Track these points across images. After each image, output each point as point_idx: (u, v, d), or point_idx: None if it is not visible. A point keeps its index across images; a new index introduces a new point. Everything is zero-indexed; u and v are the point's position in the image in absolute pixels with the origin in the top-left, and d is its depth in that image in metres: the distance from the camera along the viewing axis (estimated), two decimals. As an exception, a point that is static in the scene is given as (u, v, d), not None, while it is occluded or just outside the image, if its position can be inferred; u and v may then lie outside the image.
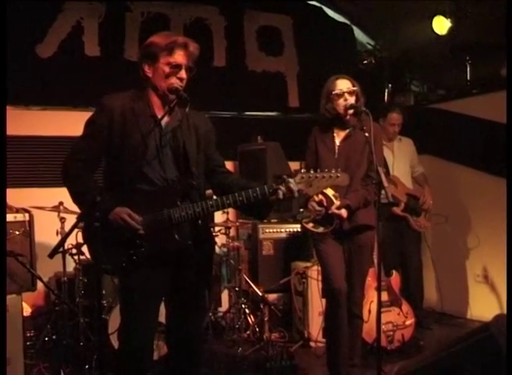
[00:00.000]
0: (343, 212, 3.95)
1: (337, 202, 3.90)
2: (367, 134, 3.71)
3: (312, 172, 3.01)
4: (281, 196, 2.96)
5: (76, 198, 3.02)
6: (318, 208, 3.96)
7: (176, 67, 2.96)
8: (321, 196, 3.92)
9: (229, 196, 2.95)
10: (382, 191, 3.58)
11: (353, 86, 4.02)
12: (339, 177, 3.03)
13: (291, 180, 2.97)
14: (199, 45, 3.05)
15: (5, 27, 3.59)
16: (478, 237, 6.07)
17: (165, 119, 3.04)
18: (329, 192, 3.88)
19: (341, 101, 3.99)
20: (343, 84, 4.01)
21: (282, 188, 2.96)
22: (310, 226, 4.12)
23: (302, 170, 3.06)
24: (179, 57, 2.95)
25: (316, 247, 4.20)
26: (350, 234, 4.09)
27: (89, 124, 3.06)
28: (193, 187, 3.04)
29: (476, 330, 2.49)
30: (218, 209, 3.04)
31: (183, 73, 2.98)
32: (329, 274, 4.05)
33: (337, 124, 4.12)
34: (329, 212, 3.93)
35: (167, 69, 2.96)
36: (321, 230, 4.07)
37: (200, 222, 3.06)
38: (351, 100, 3.97)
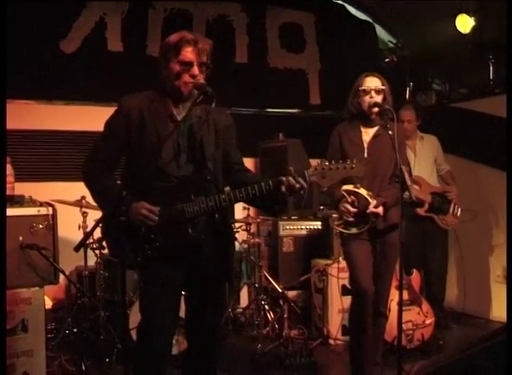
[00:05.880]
0: (381, 210, 3.90)
1: (373, 201, 3.84)
2: (390, 132, 3.70)
3: (326, 163, 2.91)
4: (289, 189, 2.86)
5: (95, 198, 3.10)
6: (352, 209, 3.88)
7: (187, 64, 2.92)
8: (353, 197, 3.87)
9: (241, 189, 2.90)
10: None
11: (383, 85, 3.96)
12: (354, 168, 2.90)
13: (304, 172, 2.89)
14: (221, 42, 3.02)
15: (6, 26, 3.59)
16: (500, 238, 6.01)
17: (183, 115, 3.01)
18: (363, 192, 3.82)
19: (366, 98, 3.94)
20: (372, 82, 3.97)
21: (300, 180, 2.87)
22: (342, 227, 4.04)
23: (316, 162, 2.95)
24: (187, 54, 2.91)
25: (345, 247, 4.09)
26: (382, 233, 4.01)
27: (107, 125, 3.09)
28: (208, 182, 3.00)
29: (497, 330, 2.48)
30: (231, 203, 2.96)
31: (194, 70, 2.92)
32: (357, 276, 3.97)
33: (363, 122, 4.06)
34: (367, 211, 3.85)
35: (177, 68, 2.93)
36: (354, 230, 3.98)
37: (217, 216, 3.04)
38: (377, 98, 3.92)
